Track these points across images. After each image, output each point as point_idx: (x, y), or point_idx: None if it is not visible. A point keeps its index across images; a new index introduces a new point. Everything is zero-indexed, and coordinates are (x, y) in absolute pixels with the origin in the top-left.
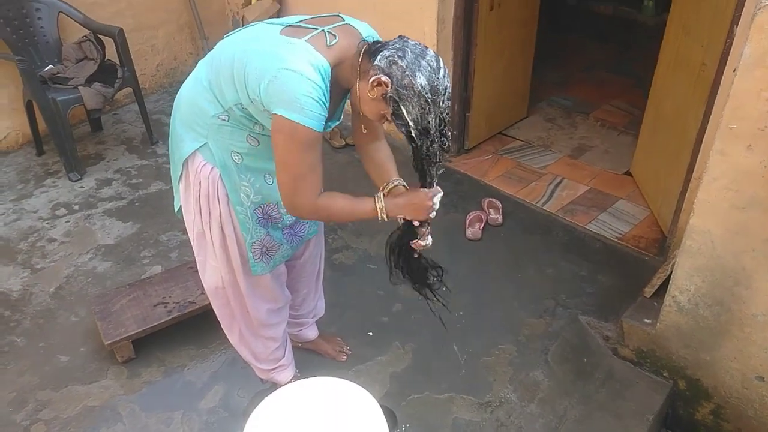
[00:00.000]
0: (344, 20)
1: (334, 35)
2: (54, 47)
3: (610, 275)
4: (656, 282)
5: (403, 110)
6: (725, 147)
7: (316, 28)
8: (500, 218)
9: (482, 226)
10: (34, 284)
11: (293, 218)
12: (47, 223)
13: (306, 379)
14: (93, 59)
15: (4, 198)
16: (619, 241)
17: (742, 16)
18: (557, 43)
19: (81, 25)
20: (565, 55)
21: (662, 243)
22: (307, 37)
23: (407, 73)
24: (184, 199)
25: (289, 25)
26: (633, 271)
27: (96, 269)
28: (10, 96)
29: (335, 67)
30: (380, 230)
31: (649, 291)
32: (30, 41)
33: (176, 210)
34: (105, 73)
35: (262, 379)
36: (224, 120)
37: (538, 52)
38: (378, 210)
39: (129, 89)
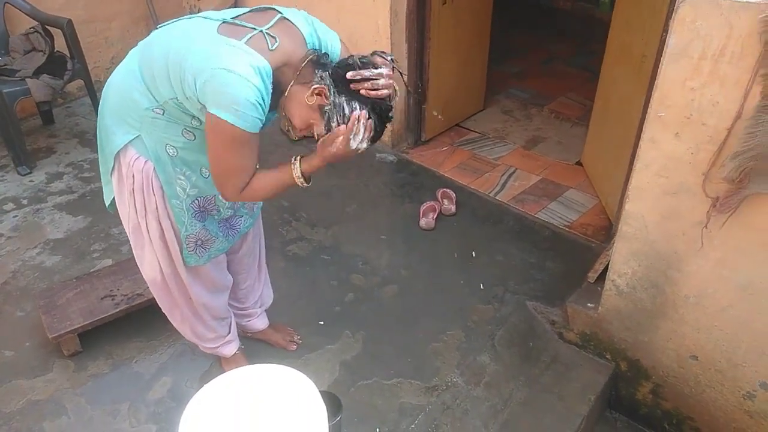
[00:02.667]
0: (281, 14)
1: (275, 37)
2: (0, 39)
3: (558, 262)
4: (599, 267)
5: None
6: (655, 135)
7: (255, 28)
8: (453, 208)
9: (436, 215)
10: None
11: (230, 212)
12: None
13: (246, 366)
14: (41, 51)
15: None
16: (568, 229)
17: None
18: (517, 37)
19: (28, 15)
20: (524, 49)
21: (609, 230)
22: (246, 39)
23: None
24: (117, 192)
25: (226, 22)
26: (580, 257)
27: (44, 264)
28: None
29: (277, 69)
30: (335, 222)
31: (592, 276)
32: None
33: (107, 205)
34: (54, 65)
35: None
36: (159, 114)
37: (499, 47)
38: (295, 178)
39: (81, 82)
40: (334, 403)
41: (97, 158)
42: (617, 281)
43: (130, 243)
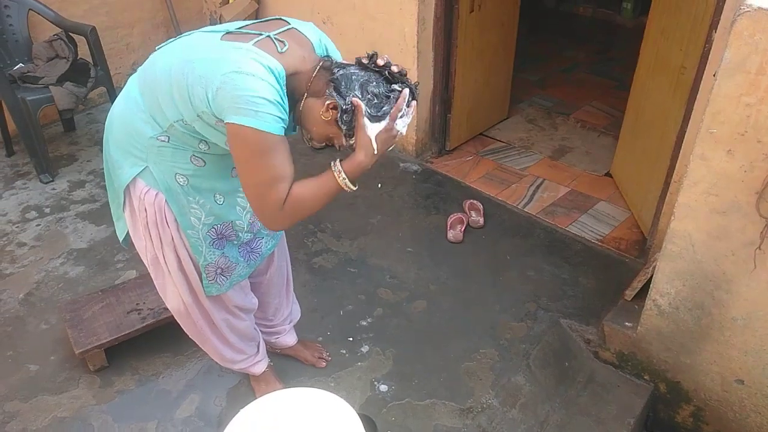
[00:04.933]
0: (290, 24)
1: (283, 42)
2: (24, 45)
3: (591, 278)
4: (637, 285)
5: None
6: (705, 151)
7: (261, 34)
8: (481, 220)
9: (463, 228)
10: (3, 290)
11: (249, 235)
12: (17, 227)
13: (283, 390)
14: (65, 58)
15: None
16: (600, 243)
17: (720, 21)
18: (537, 44)
19: (52, 23)
20: (545, 56)
21: (642, 245)
22: (253, 42)
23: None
24: (132, 226)
25: (230, 32)
26: (613, 273)
27: (68, 274)
28: None
29: (290, 75)
30: (360, 233)
31: (629, 294)
32: None
33: (121, 240)
34: (77, 73)
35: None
36: (164, 141)
37: (519, 53)
38: (340, 182)
39: (103, 89)
40: (370, 426)
41: None
42: (659, 301)
43: (151, 275)
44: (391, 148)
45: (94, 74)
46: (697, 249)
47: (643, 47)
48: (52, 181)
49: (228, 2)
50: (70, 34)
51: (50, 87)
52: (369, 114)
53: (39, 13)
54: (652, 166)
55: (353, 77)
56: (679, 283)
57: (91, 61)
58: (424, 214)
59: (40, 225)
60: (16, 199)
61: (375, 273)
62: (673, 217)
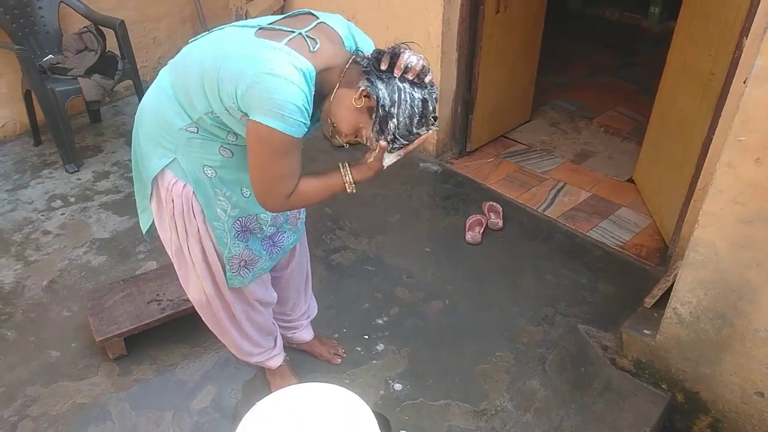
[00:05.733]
0: (318, 18)
1: (315, 39)
2: (54, 37)
3: (611, 284)
4: (657, 293)
5: (389, 126)
6: (733, 159)
7: (293, 31)
8: (501, 222)
9: (482, 230)
10: (27, 277)
11: (272, 229)
12: (42, 215)
13: (299, 385)
14: (93, 50)
15: (0, 188)
16: (620, 250)
17: (752, 28)
18: (562, 47)
19: (82, 15)
20: (570, 60)
21: (664, 253)
22: (286, 41)
23: (394, 94)
24: (157, 217)
25: (263, 27)
26: (633, 280)
27: (90, 263)
28: (9, 85)
29: (320, 72)
30: (379, 231)
31: (649, 302)
32: (30, 30)
33: (144, 231)
34: (105, 65)
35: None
36: (193, 132)
37: (543, 56)
38: (346, 184)
39: (129, 81)
40: (383, 424)
41: None
42: (679, 309)
43: (174, 266)
44: None
45: (121, 67)
46: (720, 258)
47: (670, 53)
48: (78, 171)
49: None
50: (100, 27)
51: (78, 78)
52: (390, 149)
53: (70, 6)
54: (677, 173)
55: (403, 104)
56: (701, 292)
57: (119, 54)
58: (443, 215)
59: (64, 214)
60: (43, 188)
61: (392, 272)
62: (697, 225)
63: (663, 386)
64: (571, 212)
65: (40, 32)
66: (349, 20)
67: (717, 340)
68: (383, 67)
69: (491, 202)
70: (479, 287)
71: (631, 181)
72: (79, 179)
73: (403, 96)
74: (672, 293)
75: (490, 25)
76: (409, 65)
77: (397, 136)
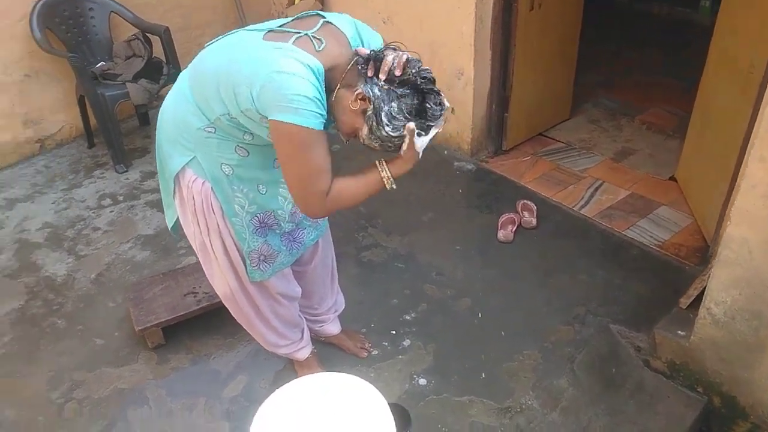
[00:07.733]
0: (325, 18)
1: (321, 39)
2: (105, 45)
3: (646, 284)
4: (693, 293)
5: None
6: (765, 153)
7: (299, 32)
8: (534, 221)
9: (515, 228)
10: (77, 270)
11: (292, 225)
12: (93, 212)
13: (318, 373)
14: (141, 56)
15: (56, 187)
16: (659, 249)
17: None
18: (607, 43)
19: (131, 24)
20: (614, 57)
21: (705, 252)
22: (292, 40)
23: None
24: (181, 213)
25: (271, 30)
26: (671, 280)
27: (135, 258)
28: (65, 91)
29: (328, 71)
30: (411, 230)
31: (684, 302)
32: (83, 39)
33: (170, 227)
34: (152, 70)
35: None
36: (210, 132)
37: (586, 53)
38: (385, 180)
39: None
40: (403, 416)
41: None
42: (713, 310)
43: (200, 260)
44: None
45: (166, 72)
46: (754, 256)
47: (711, 45)
48: (126, 171)
49: (294, 3)
50: (147, 34)
51: (126, 83)
52: (418, 131)
53: (120, 15)
54: (718, 170)
55: (396, 105)
56: (735, 291)
57: (164, 60)
58: (476, 213)
59: (113, 212)
60: (94, 187)
61: (422, 269)
62: (729, 222)
63: (698, 389)
64: (608, 211)
65: (92, 41)
66: (384, 22)
67: (754, 342)
68: (369, 73)
69: (525, 201)
70: (509, 285)
71: (673, 179)
72: (127, 179)
73: (394, 97)
74: (705, 293)
75: (524, 22)
76: (393, 66)
77: (394, 137)
